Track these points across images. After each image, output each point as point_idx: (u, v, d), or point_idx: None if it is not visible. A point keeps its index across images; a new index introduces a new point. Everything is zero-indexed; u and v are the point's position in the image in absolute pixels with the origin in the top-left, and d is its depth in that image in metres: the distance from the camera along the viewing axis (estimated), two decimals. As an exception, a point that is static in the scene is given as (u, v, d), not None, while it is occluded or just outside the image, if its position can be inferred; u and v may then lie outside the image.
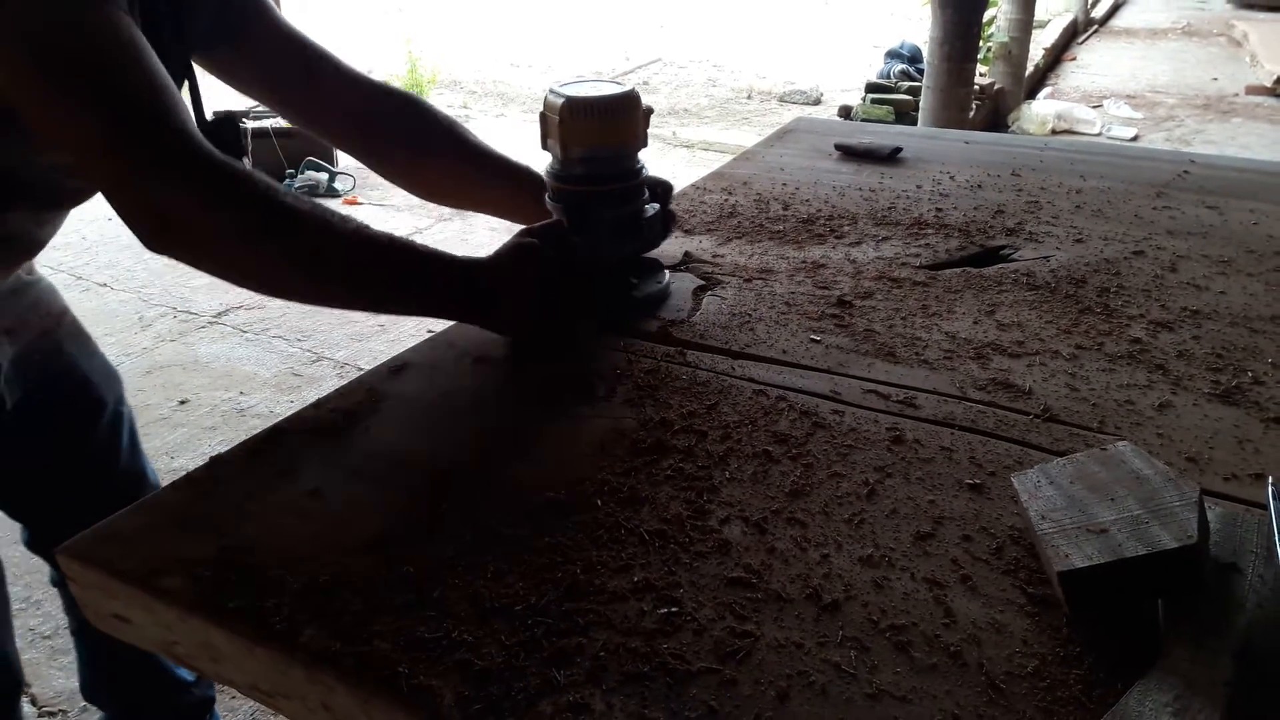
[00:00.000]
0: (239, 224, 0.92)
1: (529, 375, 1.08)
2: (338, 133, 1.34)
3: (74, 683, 2.13)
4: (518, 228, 1.19)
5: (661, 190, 1.27)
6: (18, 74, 0.88)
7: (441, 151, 1.34)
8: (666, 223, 1.29)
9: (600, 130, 1.15)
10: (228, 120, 1.17)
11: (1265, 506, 0.81)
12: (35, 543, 1.52)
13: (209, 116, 1.15)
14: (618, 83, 1.20)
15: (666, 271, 1.30)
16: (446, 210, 5.09)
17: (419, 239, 4.71)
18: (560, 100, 1.14)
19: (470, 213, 5.01)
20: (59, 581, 1.63)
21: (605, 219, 1.19)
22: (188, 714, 1.74)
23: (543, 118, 1.18)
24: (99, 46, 0.89)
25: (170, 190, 0.89)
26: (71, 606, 1.63)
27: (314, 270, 0.98)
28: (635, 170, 1.20)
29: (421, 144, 1.33)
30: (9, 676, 1.34)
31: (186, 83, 1.15)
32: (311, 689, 0.70)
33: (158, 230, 0.91)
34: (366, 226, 1.01)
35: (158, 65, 0.92)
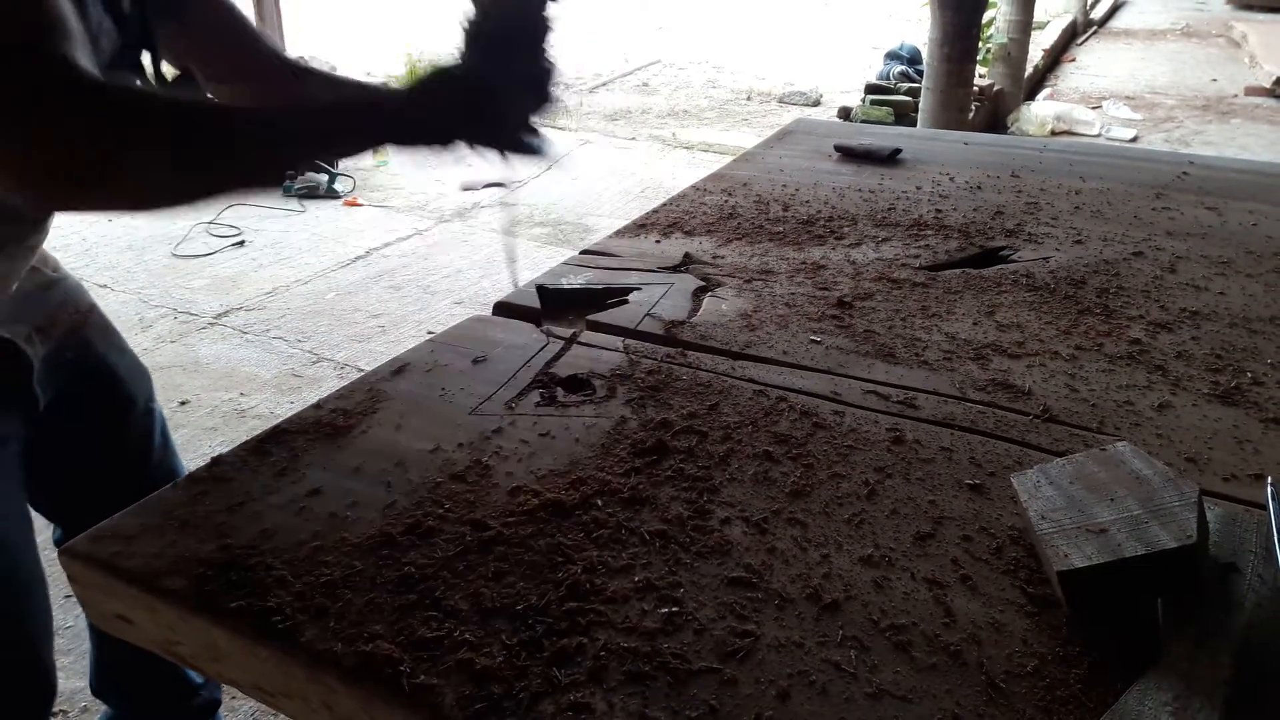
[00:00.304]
0: (133, 139, 0.84)
1: (529, 377, 1.08)
2: (209, 68, 1.29)
3: (74, 684, 2.13)
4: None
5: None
6: None
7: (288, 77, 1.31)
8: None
9: None
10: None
11: (1264, 507, 0.81)
12: (64, 541, 1.52)
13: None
14: None
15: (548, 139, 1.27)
16: (447, 211, 5.09)
17: (418, 240, 4.68)
18: None
19: (469, 214, 5.01)
20: None
21: (518, 60, 1.16)
22: (194, 716, 1.74)
23: None
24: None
25: (50, 130, 0.80)
26: None
27: (233, 163, 0.92)
28: (547, 15, 1.17)
29: (276, 73, 1.30)
30: (46, 683, 1.34)
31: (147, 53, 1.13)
32: (313, 689, 0.71)
33: (44, 181, 0.82)
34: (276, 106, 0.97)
35: (59, 9, 0.84)
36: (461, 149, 1.08)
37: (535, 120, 1.24)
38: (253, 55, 1.29)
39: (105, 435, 1.43)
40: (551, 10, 1.18)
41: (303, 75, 1.31)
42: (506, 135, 1.12)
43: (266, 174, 0.99)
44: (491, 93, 1.10)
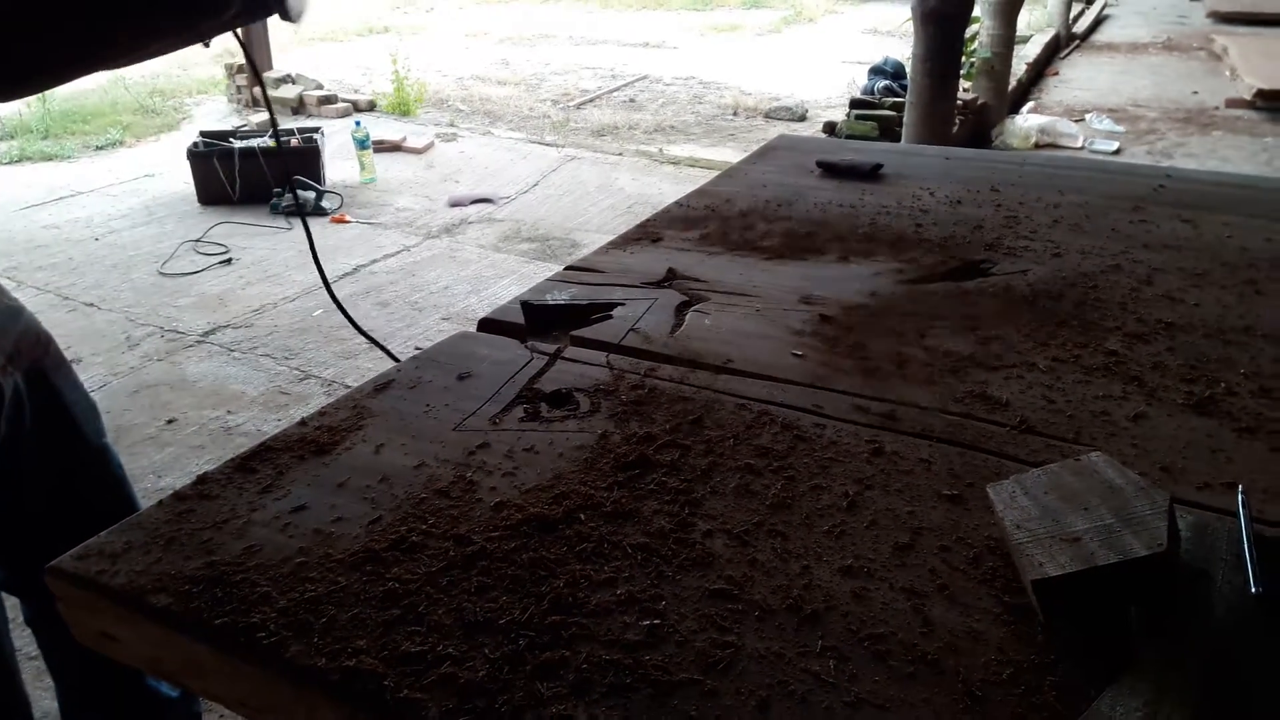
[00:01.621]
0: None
1: (512, 392, 1.09)
2: None
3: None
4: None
5: None
6: None
7: None
8: None
9: None
10: None
11: (1235, 514, 0.83)
12: (9, 582, 1.49)
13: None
14: None
15: None
16: (434, 228, 5.10)
17: (406, 256, 4.69)
18: None
19: (458, 230, 5.02)
20: (32, 620, 1.60)
21: None
22: None
23: None
24: None
25: None
26: (45, 644, 1.60)
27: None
28: None
29: None
30: (22, 712, 1.33)
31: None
32: (298, 704, 0.71)
33: None
34: None
35: None
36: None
37: None
38: None
39: (58, 472, 1.40)
40: None
41: None
42: None
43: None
44: None
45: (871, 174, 1.85)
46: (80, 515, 1.41)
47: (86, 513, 1.42)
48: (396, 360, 1.25)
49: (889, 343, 1.19)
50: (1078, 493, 0.79)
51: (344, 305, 1.36)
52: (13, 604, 1.62)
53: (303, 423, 1.03)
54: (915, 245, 1.50)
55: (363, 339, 3.70)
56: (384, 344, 1.47)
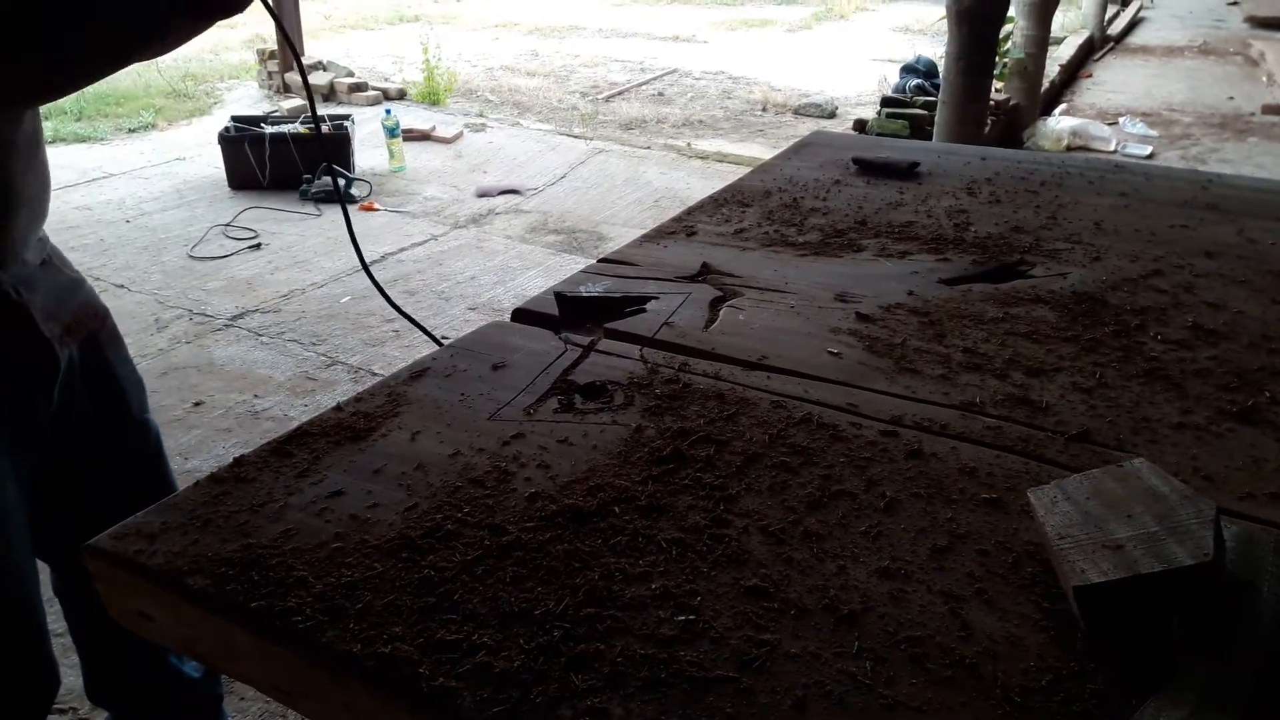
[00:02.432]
0: None
1: (547, 383, 1.09)
2: None
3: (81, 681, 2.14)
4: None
5: None
6: None
7: None
8: None
9: None
10: None
11: (1282, 526, 0.81)
12: (42, 547, 1.51)
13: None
14: None
15: None
16: (462, 217, 5.11)
17: (433, 245, 4.70)
18: None
19: (485, 221, 5.03)
20: (59, 589, 1.62)
21: None
22: (196, 713, 1.75)
23: None
24: None
25: None
26: (71, 615, 1.62)
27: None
28: None
29: None
30: (50, 677, 1.34)
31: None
32: (333, 690, 0.71)
33: None
34: None
35: None
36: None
37: None
38: None
39: (105, 443, 1.42)
40: None
41: None
42: None
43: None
44: None
45: (908, 172, 1.84)
46: (120, 487, 1.43)
47: (126, 485, 1.44)
48: (439, 343, 1.25)
49: (927, 343, 1.18)
50: (1121, 499, 0.78)
51: (383, 288, 1.36)
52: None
53: (338, 408, 1.03)
54: (953, 245, 1.49)
55: (390, 325, 3.71)
56: (424, 326, 1.47)
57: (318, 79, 7.58)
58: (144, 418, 1.48)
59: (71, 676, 2.20)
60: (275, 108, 6.63)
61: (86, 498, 1.40)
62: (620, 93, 8.35)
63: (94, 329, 1.35)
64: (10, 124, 1.11)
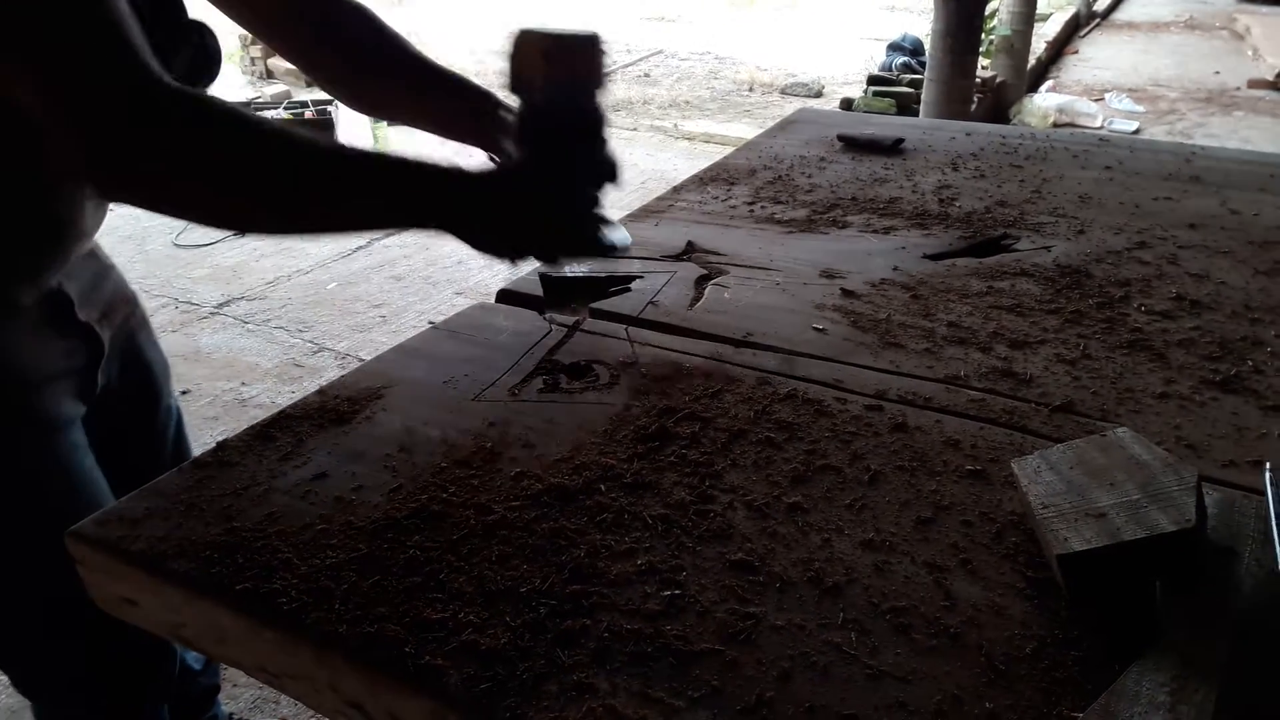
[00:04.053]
0: (203, 159, 0.86)
1: (532, 363, 1.09)
2: (291, 43, 1.28)
3: (78, 670, 2.14)
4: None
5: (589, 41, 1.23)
6: None
7: (389, 64, 1.28)
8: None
9: (578, 66, 1.15)
10: (204, 28, 1.09)
11: (1263, 493, 0.82)
12: None
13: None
14: (573, 24, 1.19)
15: (618, 223, 1.27)
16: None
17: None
18: (539, 38, 1.12)
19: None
20: None
21: (580, 155, 1.18)
22: (193, 701, 1.75)
23: (514, 58, 1.16)
24: None
25: (130, 134, 0.82)
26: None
27: (289, 194, 0.92)
28: (600, 106, 1.19)
29: (369, 56, 1.27)
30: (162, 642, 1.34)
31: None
32: (319, 670, 0.71)
33: (116, 175, 0.84)
34: (340, 143, 0.95)
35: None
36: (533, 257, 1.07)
37: (602, 211, 1.21)
38: (334, 21, 1.24)
39: (138, 428, 1.43)
40: (601, 98, 1.17)
41: (395, 57, 1.27)
42: (583, 239, 1.11)
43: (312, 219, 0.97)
44: (561, 200, 1.08)
45: (893, 148, 1.84)
46: (151, 467, 1.42)
47: (157, 465, 1.44)
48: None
49: (912, 317, 1.18)
50: (1104, 468, 0.78)
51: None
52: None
53: (321, 391, 1.03)
54: (938, 220, 1.49)
55: (377, 311, 3.69)
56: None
57: (301, 64, 7.52)
58: (171, 402, 1.49)
59: (63, 666, 2.20)
60: (258, 94, 6.58)
61: (122, 477, 1.40)
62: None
63: (126, 315, 1.35)
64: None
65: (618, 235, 1.23)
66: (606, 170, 1.17)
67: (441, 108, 1.30)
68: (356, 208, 0.95)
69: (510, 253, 1.05)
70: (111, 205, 1.22)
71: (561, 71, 1.13)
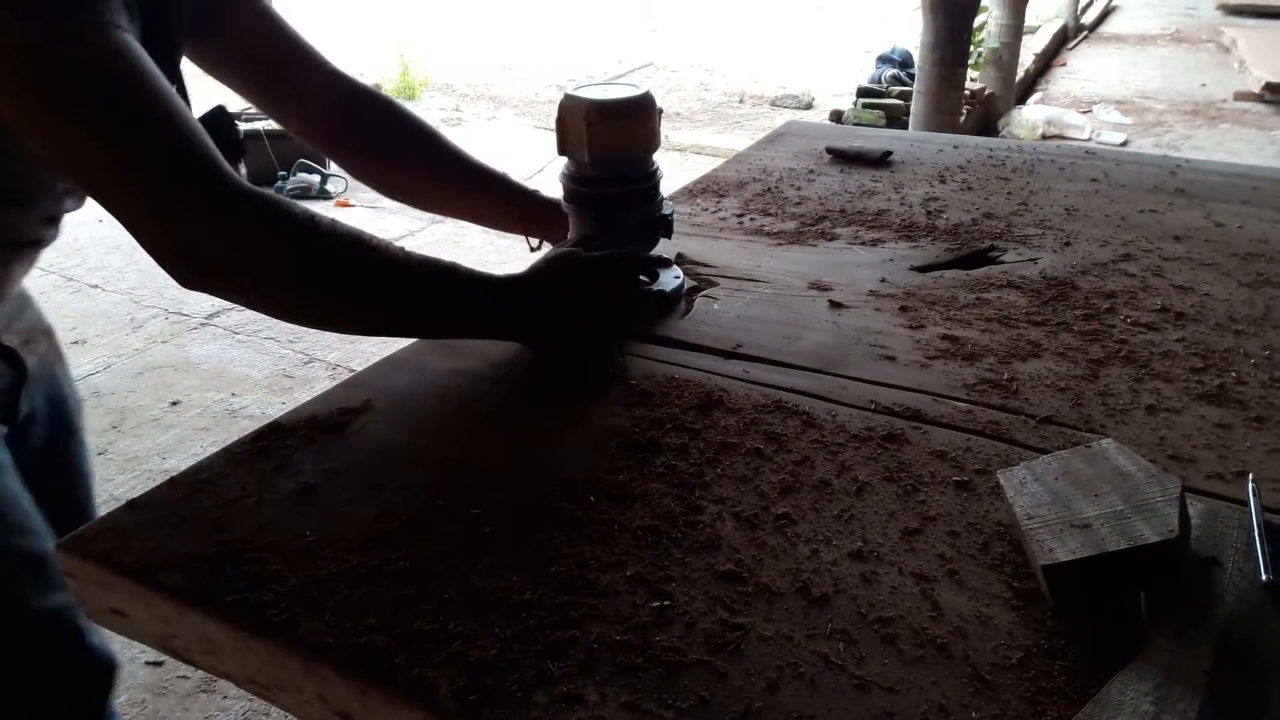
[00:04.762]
0: (280, 262, 0.91)
1: (524, 376, 1.09)
2: (314, 129, 1.34)
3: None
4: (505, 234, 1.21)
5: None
6: (20, 103, 0.85)
7: (418, 155, 1.35)
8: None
9: (625, 131, 1.17)
10: (221, 114, 1.15)
11: (1246, 503, 0.83)
12: None
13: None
14: (630, 84, 1.21)
15: (676, 267, 1.31)
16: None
17: (412, 240, 4.68)
18: (585, 104, 1.14)
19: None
20: None
21: (633, 220, 1.21)
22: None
23: (562, 123, 1.19)
24: (109, 83, 0.85)
25: (209, 231, 0.87)
26: None
27: (358, 301, 0.98)
28: (654, 169, 1.22)
29: (398, 147, 1.34)
30: (105, 657, 1.32)
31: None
32: (308, 681, 0.72)
33: (197, 271, 0.89)
34: (403, 250, 1.00)
35: (168, 89, 0.89)
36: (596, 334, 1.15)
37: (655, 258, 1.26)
38: (311, 75, 1.29)
39: (55, 461, 1.40)
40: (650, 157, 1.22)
41: (359, 96, 1.33)
42: (630, 303, 1.19)
43: (380, 324, 1.05)
44: (607, 269, 1.13)
45: (881, 160, 1.85)
46: (60, 504, 1.41)
47: (64, 503, 1.42)
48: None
49: (898, 329, 1.19)
50: (1089, 479, 0.79)
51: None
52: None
53: (313, 403, 1.03)
54: (925, 232, 1.50)
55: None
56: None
57: (292, 75, 7.52)
58: (82, 437, 1.46)
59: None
60: (249, 104, 6.57)
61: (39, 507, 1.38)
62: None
63: (43, 346, 1.34)
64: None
65: (669, 277, 1.25)
66: (658, 226, 1.21)
67: (476, 200, 1.39)
68: (420, 316, 1.03)
69: (565, 345, 1.12)
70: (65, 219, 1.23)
71: (606, 138, 1.15)
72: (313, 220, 0.93)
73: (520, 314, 1.08)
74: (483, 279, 1.05)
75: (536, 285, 1.09)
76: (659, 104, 1.21)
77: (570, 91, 1.18)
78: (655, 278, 1.23)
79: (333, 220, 0.96)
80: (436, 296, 1.02)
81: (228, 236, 0.88)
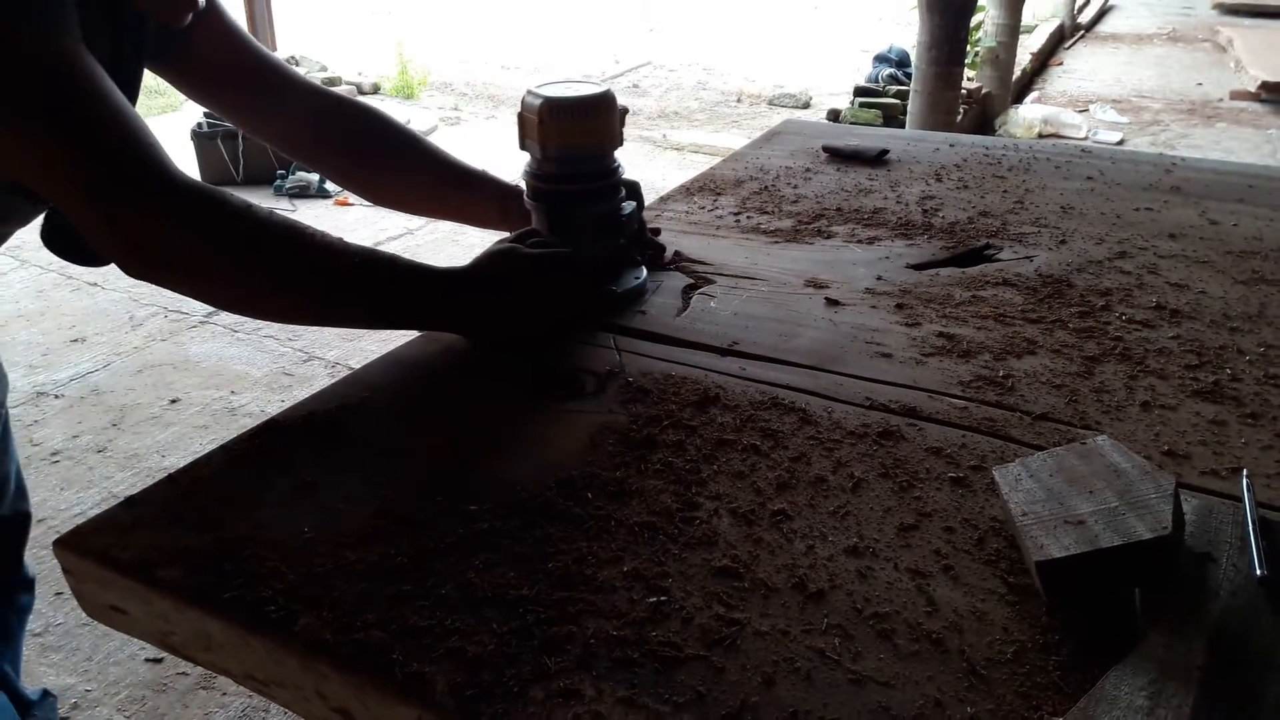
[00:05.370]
0: (216, 250, 0.95)
1: (521, 371, 1.09)
2: (293, 143, 1.36)
3: (65, 680, 2.13)
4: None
5: (634, 188, 1.29)
6: None
7: (398, 161, 1.36)
8: (642, 220, 1.32)
9: (579, 130, 1.17)
10: None
11: (1240, 499, 0.83)
12: None
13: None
14: (594, 82, 1.21)
15: (644, 268, 1.31)
16: (437, 211, 5.09)
17: (411, 238, 4.68)
18: (539, 101, 1.15)
19: (460, 214, 5.02)
20: None
21: (586, 217, 1.21)
22: None
23: (521, 118, 1.20)
24: (61, 81, 0.90)
25: (146, 219, 0.91)
26: None
27: (296, 290, 1.00)
28: (613, 169, 1.22)
29: (380, 155, 1.36)
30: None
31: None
32: (306, 677, 0.72)
33: (141, 261, 0.93)
34: (344, 242, 1.02)
35: (118, 96, 0.94)
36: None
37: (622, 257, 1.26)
38: (284, 90, 1.31)
39: None
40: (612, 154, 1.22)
41: (336, 105, 1.35)
42: (575, 299, 1.19)
43: (315, 312, 1.06)
44: (553, 265, 1.15)
45: (877, 159, 1.85)
46: None
47: None
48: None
49: (894, 326, 1.19)
50: (1083, 476, 0.80)
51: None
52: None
53: (310, 400, 1.03)
54: (922, 230, 1.50)
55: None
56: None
57: (290, 74, 7.52)
58: (4, 410, 1.45)
59: (51, 675, 2.19)
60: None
61: None
62: (595, 85, 8.33)
63: None
64: None
65: (630, 277, 1.25)
66: (616, 225, 1.21)
67: (461, 201, 1.40)
68: (352, 306, 1.05)
69: (522, 330, 1.13)
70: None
71: (559, 135, 1.16)
72: (249, 210, 0.96)
73: (455, 306, 1.09)
74: (420, 270, 1.08)
75: (472, 278, 1.11)
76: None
77: (531, 88, 1.18)
78: (596, 276, 1.23)
79: (270, 210, 0.99)
80: (373, 285, 1.04)
81: (164, 225, 0.92)
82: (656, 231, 1.44)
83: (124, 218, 0.91)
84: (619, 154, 1.24)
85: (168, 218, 0.92)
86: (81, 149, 0.90)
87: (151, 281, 0.95)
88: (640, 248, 1.32)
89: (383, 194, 1.42)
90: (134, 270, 0.93)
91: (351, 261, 1.02)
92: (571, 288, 1.16)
